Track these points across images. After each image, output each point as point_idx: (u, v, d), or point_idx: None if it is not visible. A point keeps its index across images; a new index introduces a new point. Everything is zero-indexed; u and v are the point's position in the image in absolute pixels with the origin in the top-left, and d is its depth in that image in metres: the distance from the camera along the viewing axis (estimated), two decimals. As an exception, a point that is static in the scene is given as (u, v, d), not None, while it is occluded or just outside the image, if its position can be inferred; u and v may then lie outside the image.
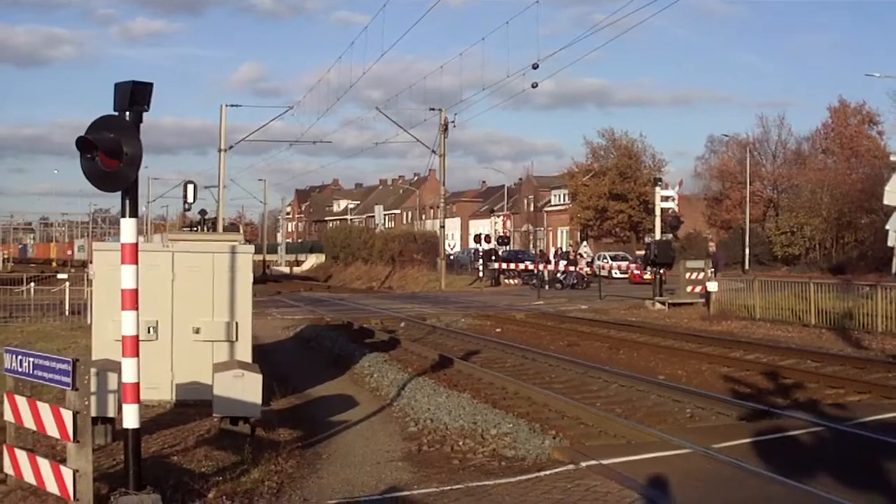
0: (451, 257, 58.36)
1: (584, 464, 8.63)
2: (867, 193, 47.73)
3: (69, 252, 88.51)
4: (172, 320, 11.65)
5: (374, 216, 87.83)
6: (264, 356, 15.19)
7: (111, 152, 6.54)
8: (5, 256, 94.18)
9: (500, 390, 13.67)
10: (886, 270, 29.63)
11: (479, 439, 9.96)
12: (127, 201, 6.78)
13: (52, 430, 6.84)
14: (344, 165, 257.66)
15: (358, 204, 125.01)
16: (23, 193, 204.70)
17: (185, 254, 11.99)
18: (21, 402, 7.24)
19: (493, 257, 47.09)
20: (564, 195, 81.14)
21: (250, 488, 7.80)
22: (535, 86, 32.45)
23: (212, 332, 11.73)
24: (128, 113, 6.68)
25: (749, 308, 24.11)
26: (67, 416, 6.61)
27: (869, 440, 9.65)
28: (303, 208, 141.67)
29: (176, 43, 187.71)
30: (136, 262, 6.83)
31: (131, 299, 6.76)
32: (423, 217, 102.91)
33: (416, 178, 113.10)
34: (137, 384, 6.71)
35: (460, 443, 9.90)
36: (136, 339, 6.74)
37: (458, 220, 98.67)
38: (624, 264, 49.55)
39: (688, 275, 28.41)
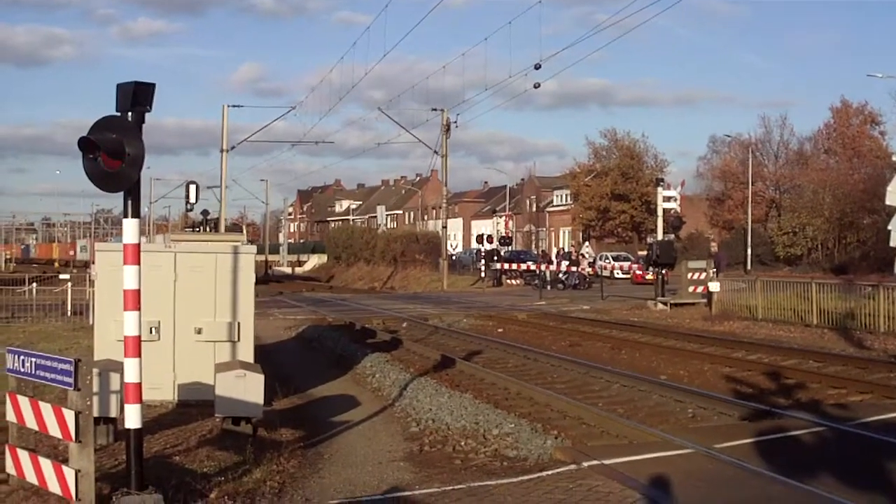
0: (454, 258, 58.35)
1: (586, 464, 8.63)
2: (869, 194, 47.76)
3: (71, 252, 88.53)
4: (174, 321, 11.66)
5: (376, 216, 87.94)
6: (266, 356, 15.20)
7: (113, 153, 6.55)
8: (7, 257, 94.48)
9: (502, 390, 13.67)
10: (889, 271, 29.53)
11: (481, 439, 9.96)
12: (129, 202, 6.79)
13: (54, 431, 6.85)
14: (346, 166, 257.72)
15: (360, 204, 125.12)
16: (24, 193, 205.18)
17: (188, 254, 12.00)
18: (23, 402, 7.25)
19: (496, 258, 47.06)
20: (566, 195, 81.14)
21: (252, 488, 7.80)
22: (537, 86, 32.47)
23: (214, 333, 11.74)
24: (130, 113, 6.69)
25: (751, 308, 24.10)
26: (69, 416, 6.61)
27: (871, 440, 9.65)
28: (305, 209, 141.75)
29: (177, 43, 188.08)
30: (139, 263, 6.84)
31: (133, 300, 6.77)
32: (426, 217, 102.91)
33: (418, 178, 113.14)
34: (139, 384, 6.72)
35: (462, 443, 9.90)
36: (139, 339, 6.75)
37: (460, 221, 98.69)
38: (626, 264, 49.51)
39: (690, 275, 28.39)
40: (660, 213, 31.31)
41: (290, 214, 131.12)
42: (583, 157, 77.85)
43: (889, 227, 20.34)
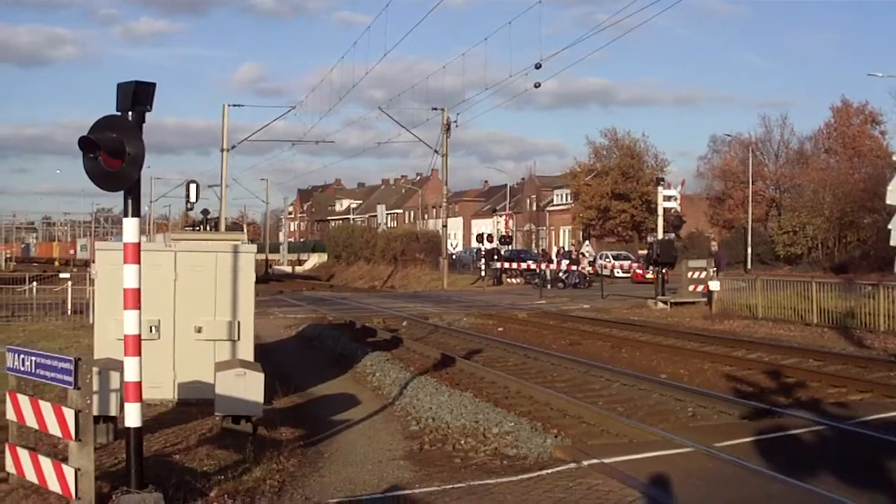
0: (454, 257, 58.36)
1: (585, 462, 8.63)
2: (869, 193, 47.81)
3: (72, 251, 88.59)
4: (174, 319, 11.66)
5: (376, 216, 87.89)
6: (266, 355, 15.20)
7: (114, 152, 6.55)
8: (8, 256, 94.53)
9: (502, 389, 13.67)
10: (889, 270, 29.54)
11: (481, 438, 9.96)
12: (129, 201, 6.79)
13: (54, 429, 6.85)
14: (346, 165, 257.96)
15: (360, 203, 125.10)
16: (25, 193, 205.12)
17: (188, 253, 12.00)
18: (23, 400, 7.25)
19: (496, 257, 47.09)
20: (567, 195, 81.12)
21: (252, 487, 7.80)
22: (537, 86, 32.43)
23: (214, 332, 11.74)
24: (130, 113, 6.69)
25: (751, 307, 24.10)
26: (69, 414, 6.62)
27: (871, 439, 9.65)
28: (305, 208, 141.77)
29: (178, 43, 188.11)
30: (139, 262, 6.84)
31: (134, 298, 6.78)
32: (426, 216, 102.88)
33: (418, 177, 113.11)
34: (139, 383, 6.72)
35: (462, 441, 9.90)
36: (139, 338, 6.76)
37: (460, 220, 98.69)
38: (626, 263, 49.56)
39: (690, 274, 28.39)
40: (660, 212, 31.31)
41: (290, 213, 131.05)
42: (583, 157, 78.02)
43: (889, 227, 20.35)
